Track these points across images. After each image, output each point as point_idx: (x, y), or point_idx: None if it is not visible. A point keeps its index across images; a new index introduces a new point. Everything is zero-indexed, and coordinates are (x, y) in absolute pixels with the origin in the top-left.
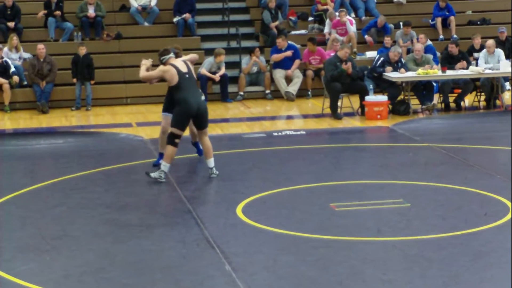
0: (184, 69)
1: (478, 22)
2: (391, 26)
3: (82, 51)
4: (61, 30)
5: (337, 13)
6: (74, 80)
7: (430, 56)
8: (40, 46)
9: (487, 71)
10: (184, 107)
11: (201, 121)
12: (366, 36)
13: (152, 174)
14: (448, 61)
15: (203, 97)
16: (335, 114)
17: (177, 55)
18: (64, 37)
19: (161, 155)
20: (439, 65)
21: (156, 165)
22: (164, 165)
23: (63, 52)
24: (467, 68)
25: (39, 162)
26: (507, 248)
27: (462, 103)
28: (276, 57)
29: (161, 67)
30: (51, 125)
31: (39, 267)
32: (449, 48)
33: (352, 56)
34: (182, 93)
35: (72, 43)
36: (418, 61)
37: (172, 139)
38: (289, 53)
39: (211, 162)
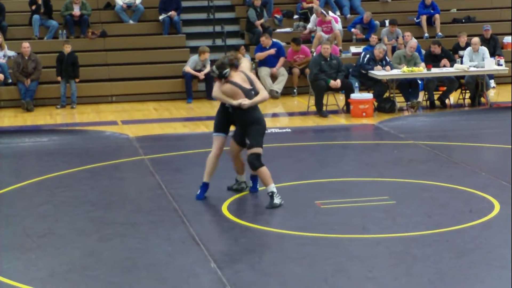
0: (247, 84)
1: (463, 20)
2: (377, 23)
3: (67, 49)
4: (45, 28)
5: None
6: (59, 78)
7: (417, 54)
8: (25, 44)
9: (472, 69)
10: (262, 125)
11: None
12: (352, 29)
13: (273, 203)
14: (432, 60)
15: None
16: (320, 111)
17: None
18: (48, 35)
19: (204, 186)
20: (423, 63)
21: (200, 199)
22: (272, 187)
23: (47, 50)
24: (451, 66)
25: (24, 160)
26: (492, 245)
27: (447, 101)
28: (260, 55)
29: (222, 87)
30: (36, 123)
31: (24, 265)
32: (431, 48)
33: (338, 56)
34: (255, 112)
35: (57, 41)
36: (407, 58)
37: (259, 159)
38: (272, 51)
39: (243, 177)
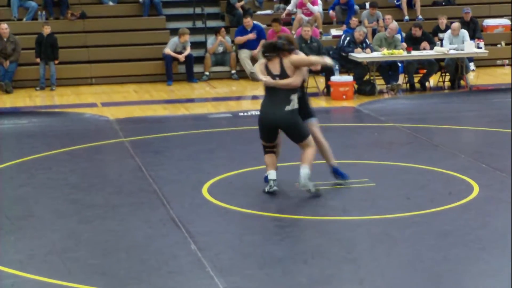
0: (276, 70)
1: (443, 3)
2: (357, 7)
3: (47, 30)
4: (24, 9)
5: None
6: (38, 59)
7: (398, 36)
8: (4, 25)
9: (452, 51)
10: (260, 115)
11: (289, 136)
12: (330, 12)
13: (266, 189)
14: (412, 42)
15: (288, 108)
16: None
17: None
18: (28, 16)
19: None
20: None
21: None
22: (269, 173)
23: (26, 31)
24: (431, 49)
25: (3, 142)
26: (471, 227)
27: (427, 84)
28: (240, 39)
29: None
30: (15, 105)
31: (3, 248)
32: (412, 30)
33: (318, 38)
34: (264, 99)
35: (36, 23)
36: (389, 40)
37: (264, 150)
38: (251, 35)
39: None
